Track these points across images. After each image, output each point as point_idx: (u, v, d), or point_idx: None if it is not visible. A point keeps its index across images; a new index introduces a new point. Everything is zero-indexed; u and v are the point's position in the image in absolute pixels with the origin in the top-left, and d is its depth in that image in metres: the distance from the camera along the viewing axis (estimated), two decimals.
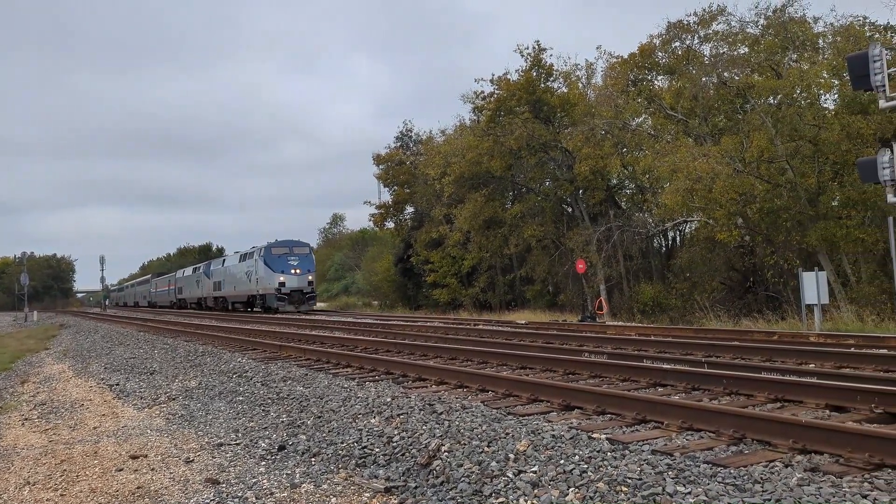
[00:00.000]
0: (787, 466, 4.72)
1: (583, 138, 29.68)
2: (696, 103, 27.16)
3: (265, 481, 5.65)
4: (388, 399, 7.73)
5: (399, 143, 46.23)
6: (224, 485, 5.67)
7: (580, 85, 35.65)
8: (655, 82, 31.45)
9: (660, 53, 30.06)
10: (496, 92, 34.38)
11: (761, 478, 4.41)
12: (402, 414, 6.96)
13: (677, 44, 28.97)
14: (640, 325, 20.35)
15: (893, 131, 19.53)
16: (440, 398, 7.62)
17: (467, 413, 6.67)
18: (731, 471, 4.61)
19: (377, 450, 6.09)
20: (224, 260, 48.60)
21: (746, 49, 26.43)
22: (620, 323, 21.66)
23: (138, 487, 5.79)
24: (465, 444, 5.68)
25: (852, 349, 9.76)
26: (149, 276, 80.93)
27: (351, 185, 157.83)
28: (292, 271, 37.10)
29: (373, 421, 6.93)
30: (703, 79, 26.91)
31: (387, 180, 44.45)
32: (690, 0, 47.64)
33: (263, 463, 6.25)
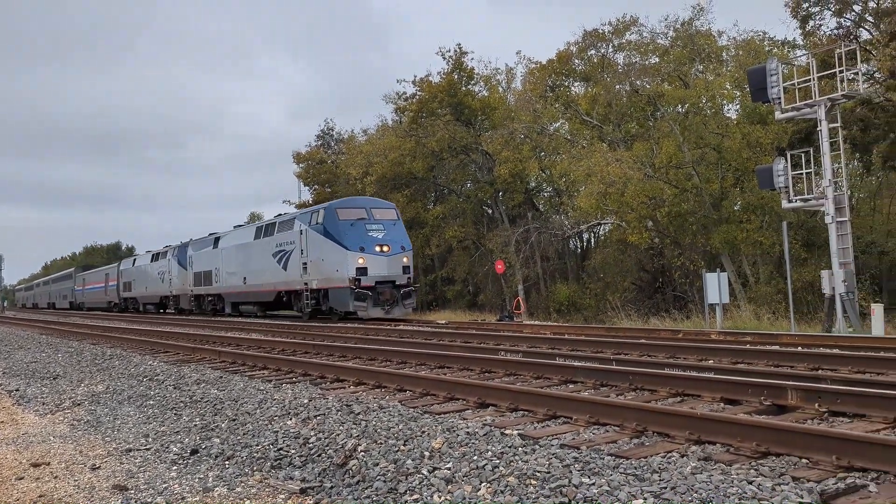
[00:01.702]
0: (682, 456, 5.03)
1: (502, 142, 30.23)
2: (611, 110, 28.13)
3: (176, 486, 5.56)
4: (306, 400, 7.71)
5: (320, 142, 45.77)
6: (133, 491, 5.54)
7: (500, 89, 36.29)
8: (572, 89, 32.36)
9: (576, 60, 30.96)
10: (418, 93, 34.55)
11: (659, 468, 4.68)
12: (319, 415, 6.97)
13: (593, 52, 29.92)
14: (555, 324, 20.89)
15: (788, 141, 20.79)
16: (358, 398, 7.66)
17: (384, 413, 6.75)
18: (633, 462, 4.86)
19: (293, 451, 6.09)
20: (216, 238, 31.62)
21: (657, 59, 27.57)
22: (537, 322, 22.18)
23: (40, 496, 5.59)
24: (381, 444, 5.76)
25: (748, 346, 10.38)
26: (70, 270, 66.61)
27: (269, 184, 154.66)
28: (377, 248, 21.81)
29: (289, 423, 6.91)
30: (617, 86, 27.90)
31: (307, 179, 43.92)
32: (606, 9, 49.21)
33: (175, 468, 6.13)
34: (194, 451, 6.49)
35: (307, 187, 44.44)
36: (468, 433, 5.78)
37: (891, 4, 18.20)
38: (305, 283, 23.37)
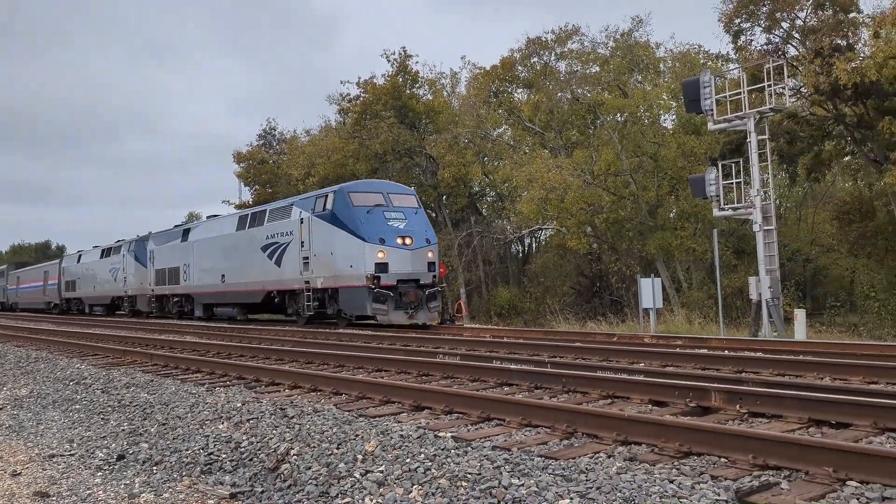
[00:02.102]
0: (609, 457, 5.18)
1: (446, 146, 30.39)
2: (552, 117, 28.61)
3: (101, 492, 5.42)
4: (239, 404, 7.60)
5: (262, 142, 45.08)
6: (55, 497, 5.38)
7: (445, 93, 36.46)
8: (515, 95, 32.80)
9: (520, 67, 31.40)
10: (362, 95, 34.43)
11: (586, 468, 4.80)
12: (252, 419, 6.88)
13: (536, 59, 30.39)
14: (495, 327, 21.11)
15: (720, 151, 21.56)
16: (293, 402, 7.60)
17: (319, 416, 6.72)
18: (561, 463, 4.97)
19: (224, 456, 6.00)
20: (186, 230, 28.06)
21: (598, 68, 28.20)
22: (478, 325, 22.36)
23: None
24: (314, 447, 5.73)
25: (678, 349, 10.71)
26: (1, 267, 60.82)
27: (208, 183, 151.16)
28: (399, 240, 18.57)
29: (221, 427, 6.81)
30: (559, 94, 28.40)
31: (248, 179, 43.18)
32: (549, 17, 49.98)
33: (100, 474, 5.97)
34: (121, 457, 6.33)
35: (248, 188, 43.74)
36: (402, 436, 5.81)
37: (816, 23, 19.11)
38: (307, 282, 19.71)
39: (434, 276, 19.05)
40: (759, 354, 9.49)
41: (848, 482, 4.29)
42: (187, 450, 6.25)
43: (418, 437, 5.77)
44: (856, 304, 22.60)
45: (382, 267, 17.96)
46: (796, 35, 20.44)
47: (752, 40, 20.93)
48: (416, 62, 34.34)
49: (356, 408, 7.39)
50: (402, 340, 14.55)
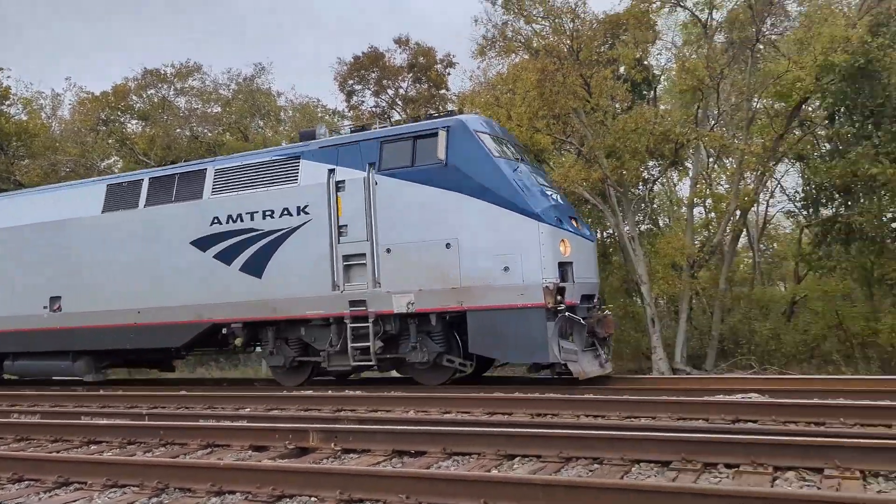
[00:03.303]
0: None
1: (41, 173, 26.81)
2: (170, 152, 27.29)
3: None
4: None
5: None
6: None
7: (44, 115, 32.31)
8: (129, 125, 30.59)
9: (135, 97, 29.47)
10: None
11: None
12: None
13: (153, 91, 28.85)
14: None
15: None
16: None
17: None
18: None
19: None
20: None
21: (219, 108, 27.88)
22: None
23: None
24: None
25: (284, 392, 10.89)
26: None
27: None
28: (573, 223, 11.02)
29: None
30: (178, 129, 27.28)
31: None
32: (167, 52, 48.03)
33: None
34: None
35: None
36: None
37: (415, 94, 21.79)
38: (357, 303, 10.91)
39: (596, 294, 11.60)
40: (358, 392, 10.16)
41: None
42: None
43: None
44: None
45: (565, 271, 10.36)
46: (399, 102, 23.00)
47: (363, 101, 22.91)
48: (9, 77, 29.86)
49: None
50: None
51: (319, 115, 26.74)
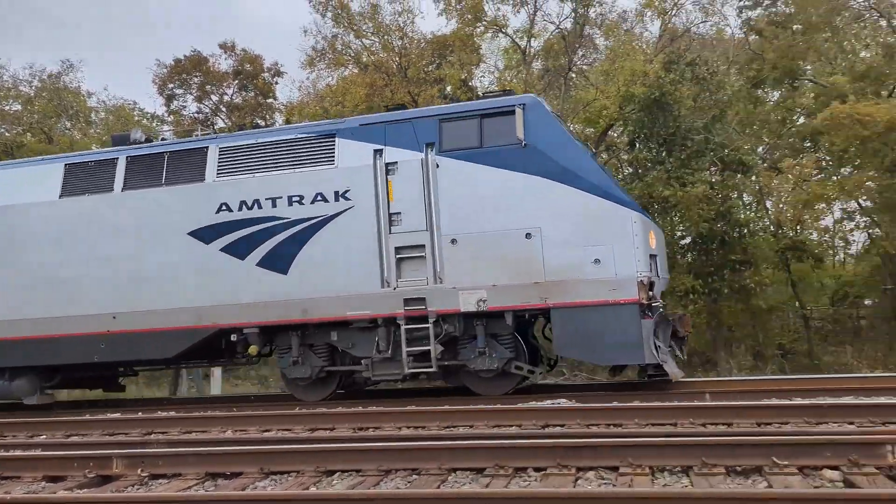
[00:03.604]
0: None
1: None
2: None
3: None
4: None
5: None
6: None
7: None
8: None
9: None
10: None
11: None
12: None
13: None
14: None
15: None
16: None
17: None
18: None
19: None
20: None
21: (20, 107, 25.39)
22: None
23: None
24: None
25: (87, 416, 10.06)
26: None
27: None
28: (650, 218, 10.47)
29: None
30: None
31: None
32: None
33: None
34: None
35: None
36: None
37: (241, 101, 21.13)
38: (412, 301, 9.61)
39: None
40: (171, 414, 9.62)
41: None
42: None
43: None
44: None
45: (653, 265, 9.58)
46: (223, 108, 22.18)
47: (185, 106, 21.82)
48: None
49: None
50: None
51: (136, 118, 25.10)
